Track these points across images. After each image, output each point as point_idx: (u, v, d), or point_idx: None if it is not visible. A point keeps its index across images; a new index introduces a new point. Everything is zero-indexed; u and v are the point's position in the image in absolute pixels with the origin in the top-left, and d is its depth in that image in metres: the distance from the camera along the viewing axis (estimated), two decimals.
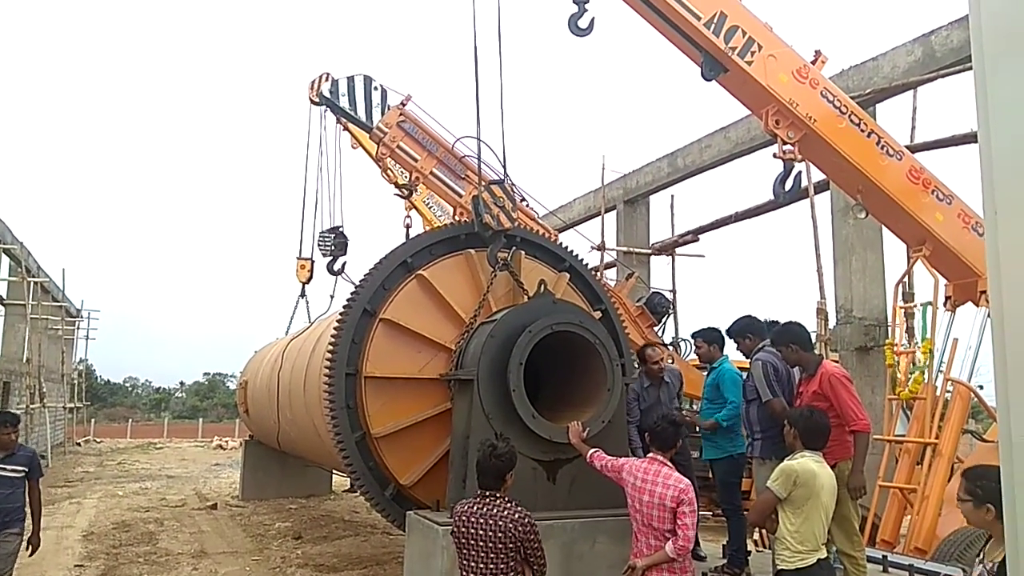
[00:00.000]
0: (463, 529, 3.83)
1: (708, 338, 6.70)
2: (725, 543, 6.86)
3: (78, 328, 30.21)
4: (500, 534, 3.72)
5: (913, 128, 10.26)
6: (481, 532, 3.76)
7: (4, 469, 5.83)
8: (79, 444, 29.22)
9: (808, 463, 4.27)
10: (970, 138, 9.43)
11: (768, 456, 5.42)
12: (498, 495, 3.88)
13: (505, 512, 3.79)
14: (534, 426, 5.36)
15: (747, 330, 5.78)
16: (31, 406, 18.35)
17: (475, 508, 3.85)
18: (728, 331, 5.98)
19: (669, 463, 4.35)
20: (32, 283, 19.91)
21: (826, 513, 4.29)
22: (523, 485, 5.33)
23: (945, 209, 6.19)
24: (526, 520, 3.79)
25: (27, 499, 5.97)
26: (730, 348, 6.89)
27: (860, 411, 5.00)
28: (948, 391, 6.43)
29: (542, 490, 5.42)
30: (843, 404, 4.98)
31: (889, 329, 8.61)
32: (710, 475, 7.05)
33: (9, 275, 20.50)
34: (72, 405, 28.51)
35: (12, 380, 19.82)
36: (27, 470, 5.88)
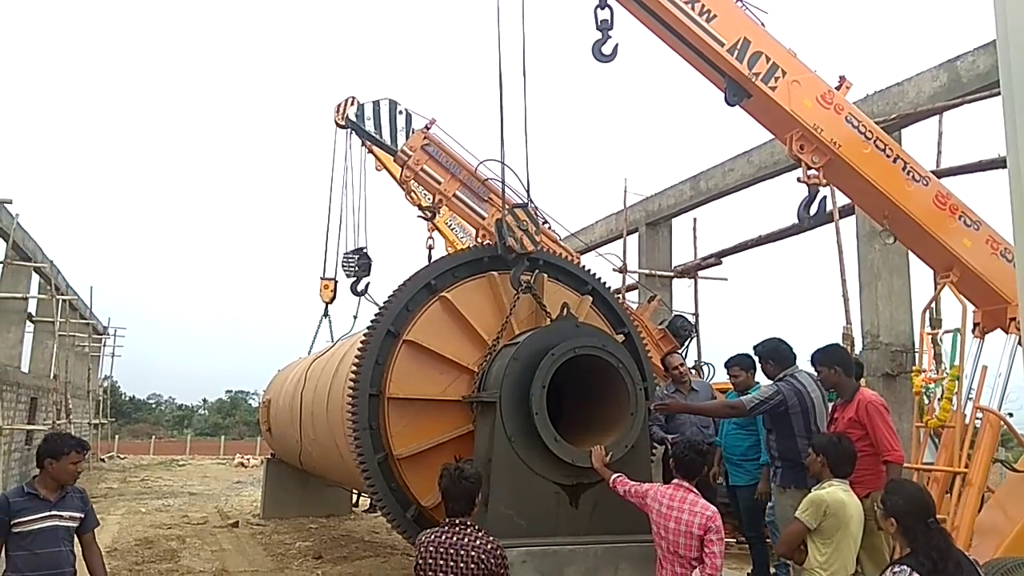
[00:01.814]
0: (429, 561, 3.49)
1: (744, 365, 6.68)
2: (749, 571, 6.78)
3: (104, 345, 30.64)
4: (473, 565, 3.43)
5: (939, 153, 10.16)
6: (452, 564, 3.44)
7: (59, 516, 4.14)
8: (103, 460, 29.48)
9: (837, 492, 4.22)
10: (998, 163, 9.32)
11: (788, 484, 5.38)
12: (468, 522, 3.60)
13: (477, 542, 3.49)
14: (557, 450, 5.35)
15: (770, 356, 5.74)
16: (57, 422, 18.56)
17: (443, 538, 3.53)
18: (754, 348, 5.95)
19: (695, 490, 4.32)
20: (61, 301, 20.23)
21: (855, 542, 4.23)
22: (545, 509, 5.33)
23: (973, 235, 6.11)
24: (499, 552, 3.52)
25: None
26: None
27: (895, 441, 4.94)
28: (977, 419, 6.31)
29: (564, 514, 5.40)
30: (879, 433, 4.93)
31: (916, 355, 8.49)
32: (730, 502, 7.00)
33: (39, 293, 20.85)
34: (97, 421, 28.84)
35: (39, 396, 20.09)
36: (83, 517, 4.29)
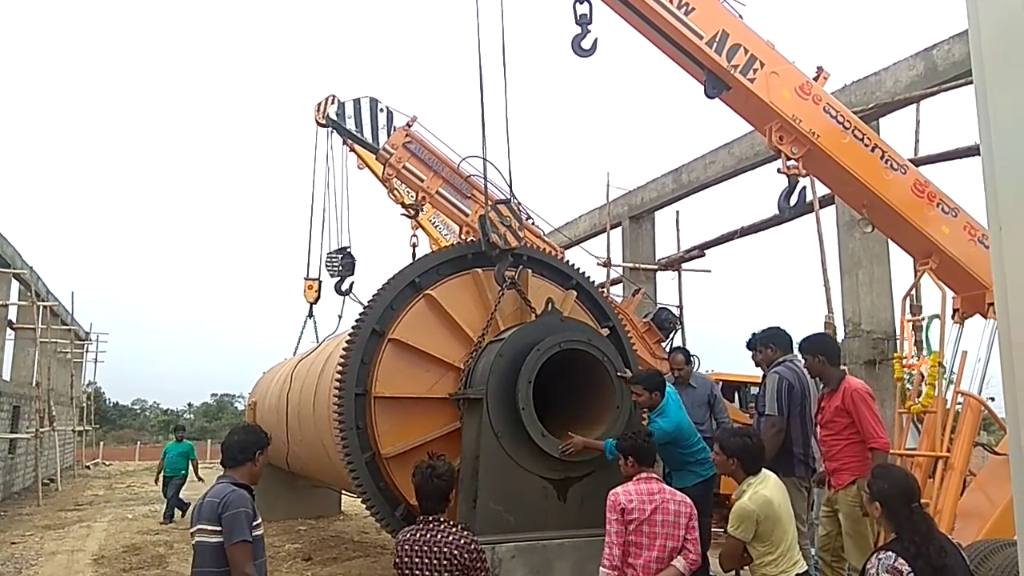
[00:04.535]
0: (406, 559, 3.54)
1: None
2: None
3: (87, 351, 30.33)
4: (445, 561, 3.45)
5: (917, 142, 10.26)
6: (427, 560, 3.48)
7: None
8: (88, 467, 29.23)
9: (759, 494, 4.03)
10: (973, 151, 9.43)
11: (775, 472, 5.41)
12: (442, 519, 3.62)
13: (450, 538, 3.52)
14: (544, 444, 5.37)
15: (771, 340, 5.78)
16: (41, 429, 18.37)
17: (418, 535, 3.58)
18: (755, 335, 5.97)
19: (657, 476, 4.31)
20: (42, 307, 20.01)
21: (790, 522, 4.11)
22: (533, 503, 5.35)
23: (951, 222, 6.19)
24: (472, 546, 3.53)
25: None
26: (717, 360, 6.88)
27: (880, 429, 5.00)
28: (959, 404, 6.40)
29: (552, 508, 5.42)
30: (864, 421, 4.98)
31: (897, 342, 8.58)
32: None
33: (19, 299, 20.61)
34: (81, 428, 28.54)
35: (22, 404, 19.88)
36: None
